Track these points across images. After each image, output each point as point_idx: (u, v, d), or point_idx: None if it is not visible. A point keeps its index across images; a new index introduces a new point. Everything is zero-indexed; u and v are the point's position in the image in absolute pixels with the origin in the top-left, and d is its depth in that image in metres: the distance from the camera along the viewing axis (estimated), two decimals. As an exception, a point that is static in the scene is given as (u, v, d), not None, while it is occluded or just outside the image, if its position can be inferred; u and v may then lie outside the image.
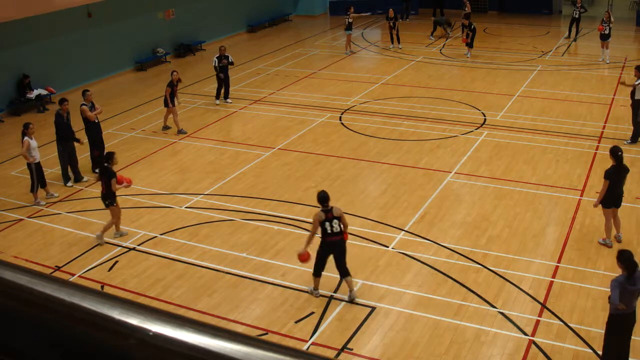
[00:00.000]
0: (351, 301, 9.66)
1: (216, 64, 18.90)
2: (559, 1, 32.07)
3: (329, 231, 9.24)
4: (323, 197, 9.32)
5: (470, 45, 23.75)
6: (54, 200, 13.58)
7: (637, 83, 14.73)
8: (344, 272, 9.53)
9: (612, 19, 21.79)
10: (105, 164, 11.59)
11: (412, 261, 10.78)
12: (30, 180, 13.32)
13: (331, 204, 9.41)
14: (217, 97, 19.51)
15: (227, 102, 19.49)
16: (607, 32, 21.65)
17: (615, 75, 21.04)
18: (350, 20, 24.72)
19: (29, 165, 13.22)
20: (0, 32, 18.56)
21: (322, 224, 9.24)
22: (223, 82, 19.24)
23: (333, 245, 9.34)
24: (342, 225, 9.34)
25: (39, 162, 13.30)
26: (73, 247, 11.69)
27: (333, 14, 33.12)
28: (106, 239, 11.82)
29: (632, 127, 15.31)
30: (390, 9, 25.80)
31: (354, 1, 32.74)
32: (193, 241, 11.73)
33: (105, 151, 15.10)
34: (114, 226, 11.84)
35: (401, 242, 11.38)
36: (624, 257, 7.81)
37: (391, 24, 25.64)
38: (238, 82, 21.62)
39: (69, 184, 14.22)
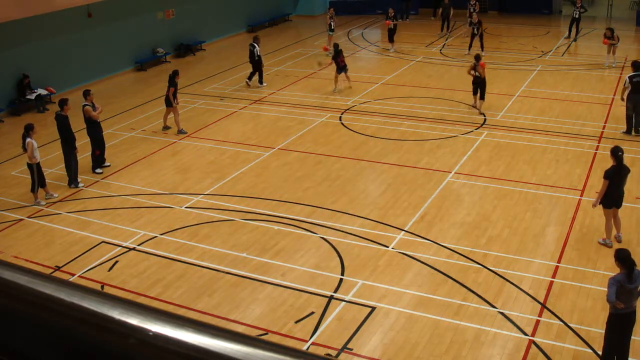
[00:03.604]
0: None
1: (259, 52, 20.34)
2: (559, 1, 32.06)
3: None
4: None
5: (391, 39, 25.01)
6: (54, 200, 13.58)
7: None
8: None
9: (614, 36, 21.18)
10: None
11: (412, 261, 10.78)
12: (31, 180, 13.32)
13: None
14: (261, 81, 20.94)
15: (260, 86, 20.96)
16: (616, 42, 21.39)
17: (615, 75, 21.04)
18: (328, 21, 24.79)
19: (29, 165, 13.22)
20: (0, 32, 18.56)
21: None
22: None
23: None
24: None
25: (39, 162, 13.31)
26: (73, 247, 11.69)
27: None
28: (106, 239, 11.84)
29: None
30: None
31: (354, 1, 32.82)
32: (193, 241, 11.73)
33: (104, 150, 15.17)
34: None
35: (401, 242, 11.38)
36: (621, 256, 7.85)
37: (474, 30, 23.35)
38: (238, 81, 21.63)
39: (81, 185, 14.20)
